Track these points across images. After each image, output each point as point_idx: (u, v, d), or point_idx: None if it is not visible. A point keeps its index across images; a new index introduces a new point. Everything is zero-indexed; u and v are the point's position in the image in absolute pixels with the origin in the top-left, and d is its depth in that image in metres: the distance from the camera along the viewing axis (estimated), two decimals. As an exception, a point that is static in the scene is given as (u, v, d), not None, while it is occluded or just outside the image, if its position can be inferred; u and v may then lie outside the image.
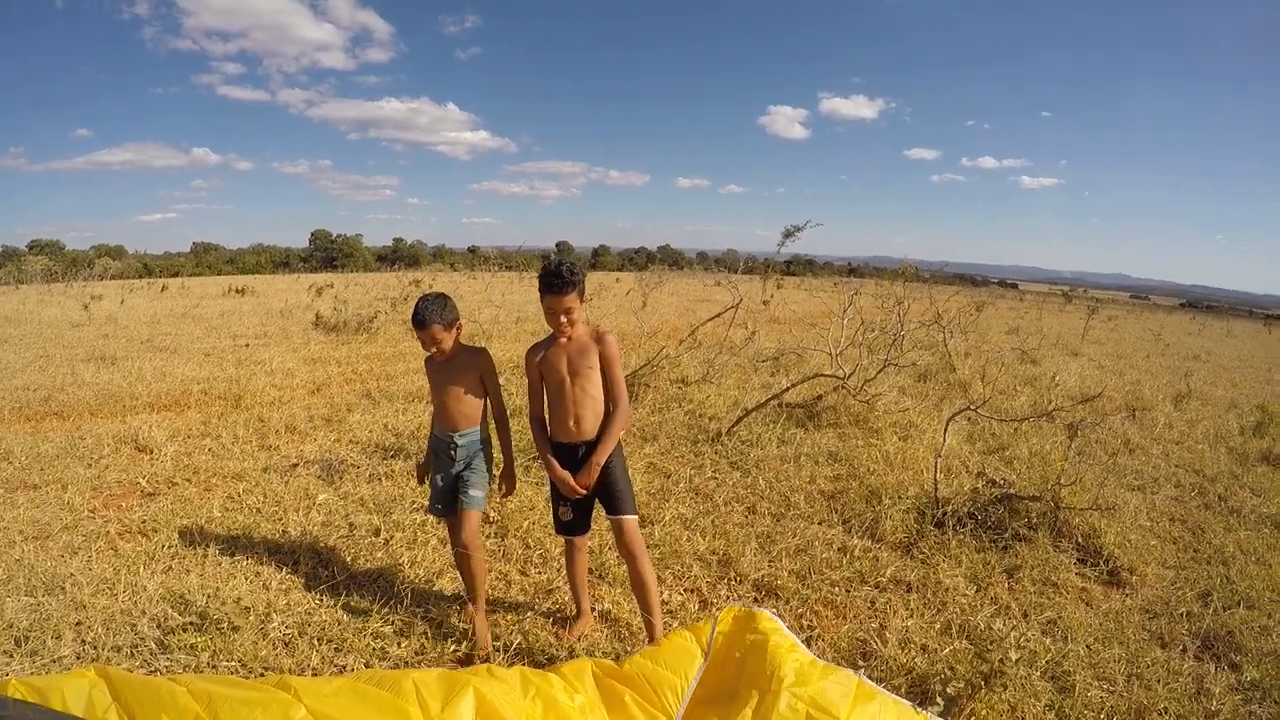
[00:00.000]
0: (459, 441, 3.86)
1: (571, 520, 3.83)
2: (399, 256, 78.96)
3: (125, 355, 12.43)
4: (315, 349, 13.58)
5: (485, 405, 3.95)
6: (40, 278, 39.83)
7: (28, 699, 2.43)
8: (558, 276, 3.47)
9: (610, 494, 3.73)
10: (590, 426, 3.66)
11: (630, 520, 3.75)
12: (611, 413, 3.68)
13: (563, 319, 3.52)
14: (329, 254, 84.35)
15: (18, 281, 38.31)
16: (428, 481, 4.10)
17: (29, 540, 4.85)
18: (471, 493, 3.89)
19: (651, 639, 3.74)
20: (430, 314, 3.67)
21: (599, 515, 3.92)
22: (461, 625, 3.96)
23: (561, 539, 4.04)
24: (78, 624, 3.82)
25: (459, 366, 3.83)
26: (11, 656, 3.54)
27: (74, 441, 7.00)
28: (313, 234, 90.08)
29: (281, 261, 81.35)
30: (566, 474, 3.65)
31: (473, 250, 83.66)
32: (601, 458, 3.62)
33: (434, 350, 3.76)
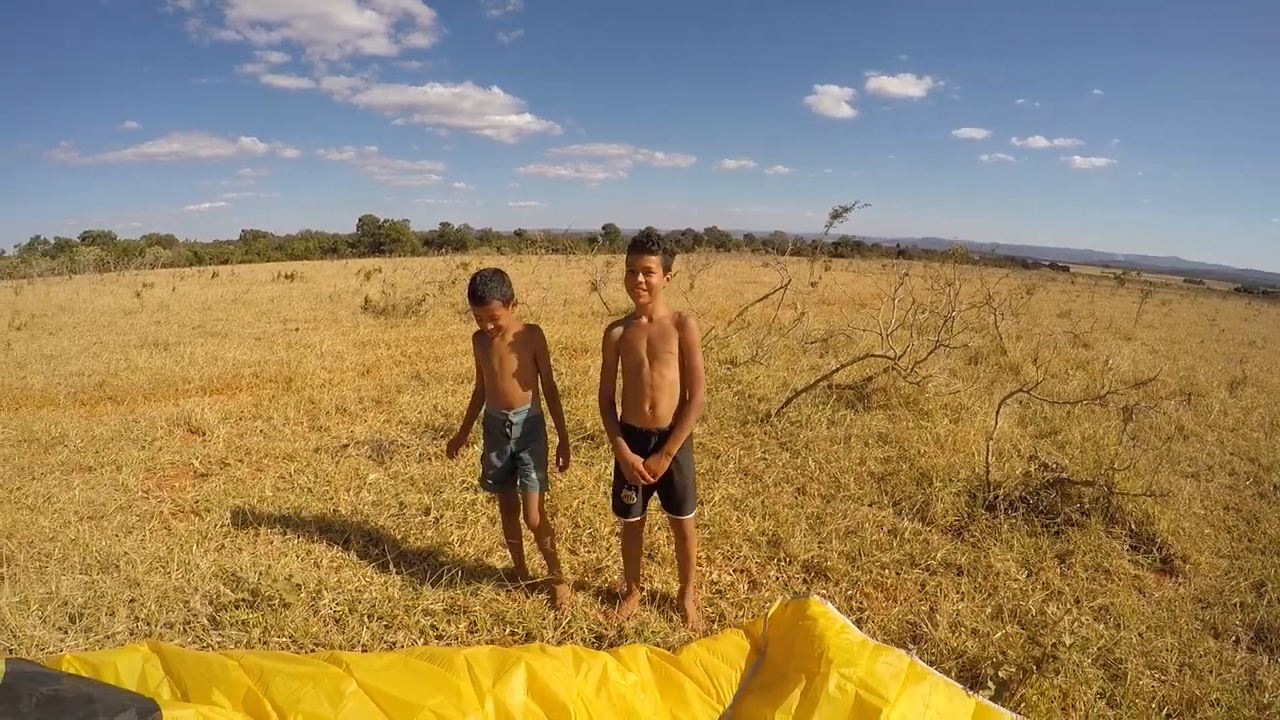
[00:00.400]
0: (514, 419, 3.84)
1: (634, 504, 3.79)
2: (446, 240, 79.36)
3: (177, 340, 12.60)
4: (364, 332, 13.70)
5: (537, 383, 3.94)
6: (93, 267, 40.61)
7: (81, 673, 2.46)
8: (645, 237, 3.49)
9: (672, 489, 3.73)
10: (664, 412, 3.61)
11: (690, 521, 3.80)
12: (688, 401, 3.64)
13: (640, 278, 3.46)
14: (376, 239, 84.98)
15: (71, 272, 39.04)
16: (460, 455, 4.13)
17: (84, 520, 4.95)
18: (534, 475, 3.92)
19: (684, 619, 3.88)
20: (490, 290, 3.63)
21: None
22: (512, 605, 3.98)
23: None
24: (131, 601, 3.89)
25: (513, 344, 3.78)
26: (66, 633, 3.61)
27: (128, 424, 7.12)
28: (360, 219, 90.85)
29: (329, 247, 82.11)
30: (637, 459, 3.62)
31: (519, 233, 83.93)
32: (674, 447, 3.60)
33: (490, 327, 3.72)
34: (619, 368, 3.73)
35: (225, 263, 54.64)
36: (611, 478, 4.06)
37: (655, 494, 3.82)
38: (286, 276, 29.90)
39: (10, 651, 3.42)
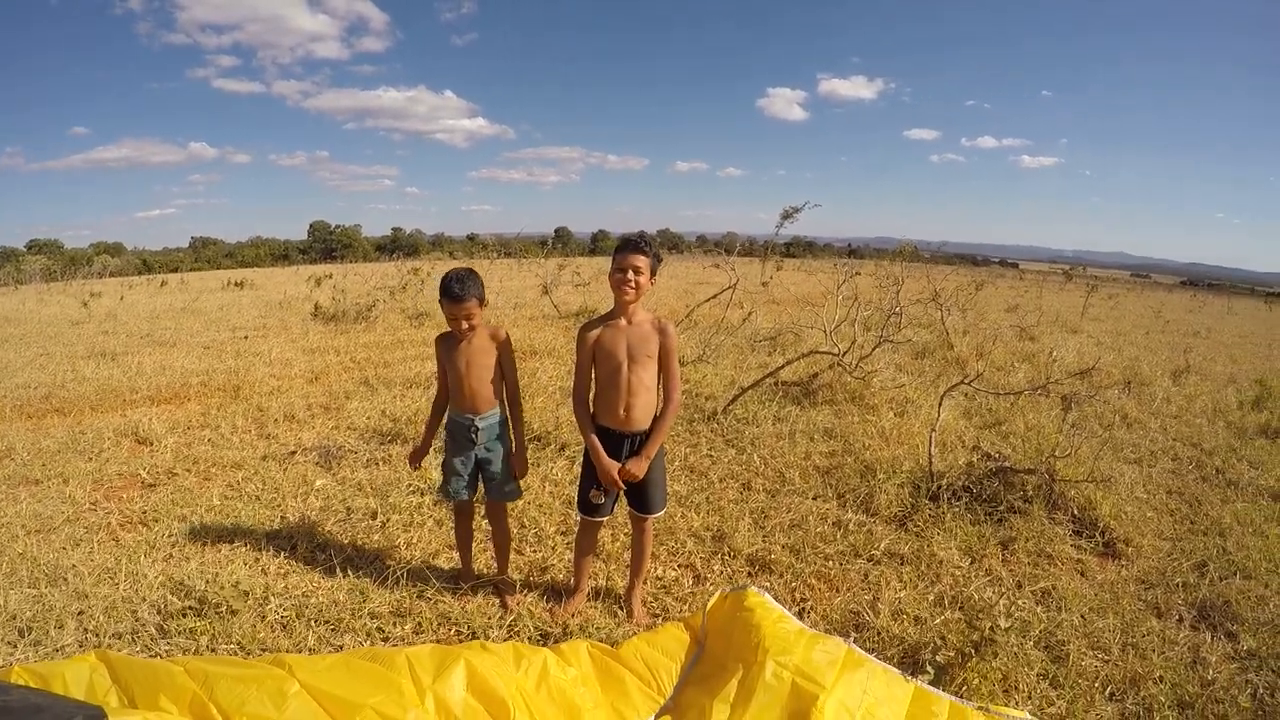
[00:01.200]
0: (480, 424, 3.82)
1: (600, 504, 3.82)
2: (398, 246, 78.72)
3: (125, 350, 12.43)
4: (314, 339, 13.58)
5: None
6: (39, 277, 39.83)
7: (30, 685, 2.47)
8: (638, 237, 3.53)
9: (644, 489, 3.75)
10: (640, 416, 3.62)
11: (651, 519, 3.87)
12: (666, 404, 3.67)
13: (630, 276, 3.48)
14: (328, 245, 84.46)
15: (16, 281, 38.26)
16: (425, 465, 4.12)
17: (31, 534, 4.89)
18: (507, 488, 3.97)
19: (630, 615, 3.93)
20: (467, 288, 3.62)
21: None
22: (458, 605, 4.00)
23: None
24: (80, 613, 3.86)
25: (480, 347, 3.77)
26: (15, 647, 3.58)
27: (75, 436, 7.03)
28: (311, 225, 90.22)
29: (280, 254, 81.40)
30: (614, 464, 3.63)
31: (472, 238, 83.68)
32: (653, 450, 3.63)
33: (465, 326, 3.68)
34: (593, 369, 3.72)
35: (175, 271, 53.84)
36: (561, 476, 4.07)
37: (622, 494, 3.83)
38: (236, 284, 29.59)
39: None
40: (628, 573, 4.16)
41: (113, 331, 15.23)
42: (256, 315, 17.90)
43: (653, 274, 3.58)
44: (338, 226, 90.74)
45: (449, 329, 3.81)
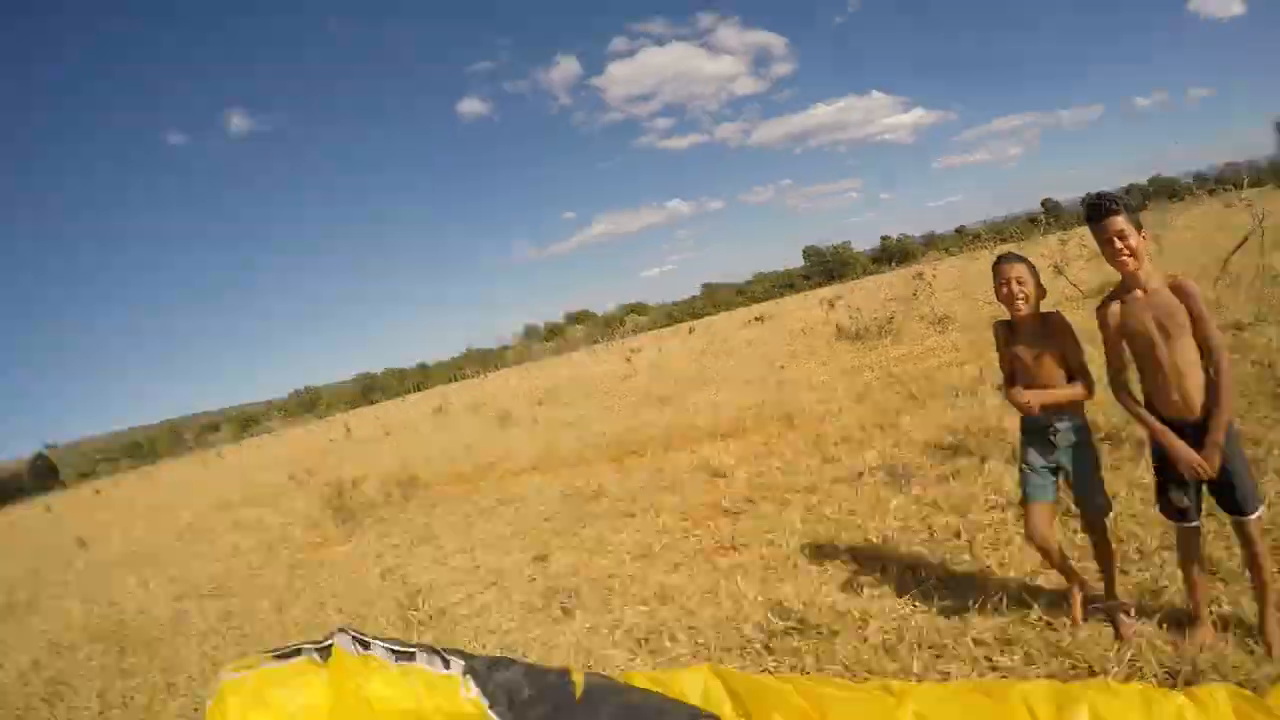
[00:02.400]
0: (1059, 426, 3.57)
1: (1186, 507, 3.35)
2: (891, 254, 78.65)
3: (676, 394, 13.58)
4: (845, 359, 13.91)
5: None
6: (583, 342, 44.96)
7: (650, 689, 2.72)
8: (1099, 199, 3.21)
9: (1228, 482, 3.23)
10: (1197, 399, 3.18)
11: (1255, 522, 3.24)
12: (1216, 377, 3.16)
13: (1117, 244, 3.15)
14: (827, 267, 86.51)
15: (565, 350, 43.51)
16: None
17: (636, 559, 5.54)
18: (1098, 500, 3.64)
19: (1268, 650, 3.26)
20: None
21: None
22: (1068, 634, 3.68)
23: (1159, 529, 3.67)
24: (690, 628, 4.29)
25: (1041, 336, 3.55)
26: (634, 655, 4.14)
27: (654, 474, 7.82)
28: (805, 251, 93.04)
29: (785, 284, 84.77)
30: (1191, 452, 3.19)
31: (960, 231, 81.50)
32: (1221, 435, 3.14)
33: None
34: (1124, 351, 3.37)
35: (697, 317, 57.92)
36: (1150, 479, 3.67)
37: (1203, 491, 3.35)
38: (756, 319, 31.16)
39: (588, 668, 3.90)
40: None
41: (659, 379, 16.69)
42: (783, 344, 18.71)
43: (1139, 227, 3.17)
44: (829, 247, 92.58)
45: (1005, 318, 3.65)
